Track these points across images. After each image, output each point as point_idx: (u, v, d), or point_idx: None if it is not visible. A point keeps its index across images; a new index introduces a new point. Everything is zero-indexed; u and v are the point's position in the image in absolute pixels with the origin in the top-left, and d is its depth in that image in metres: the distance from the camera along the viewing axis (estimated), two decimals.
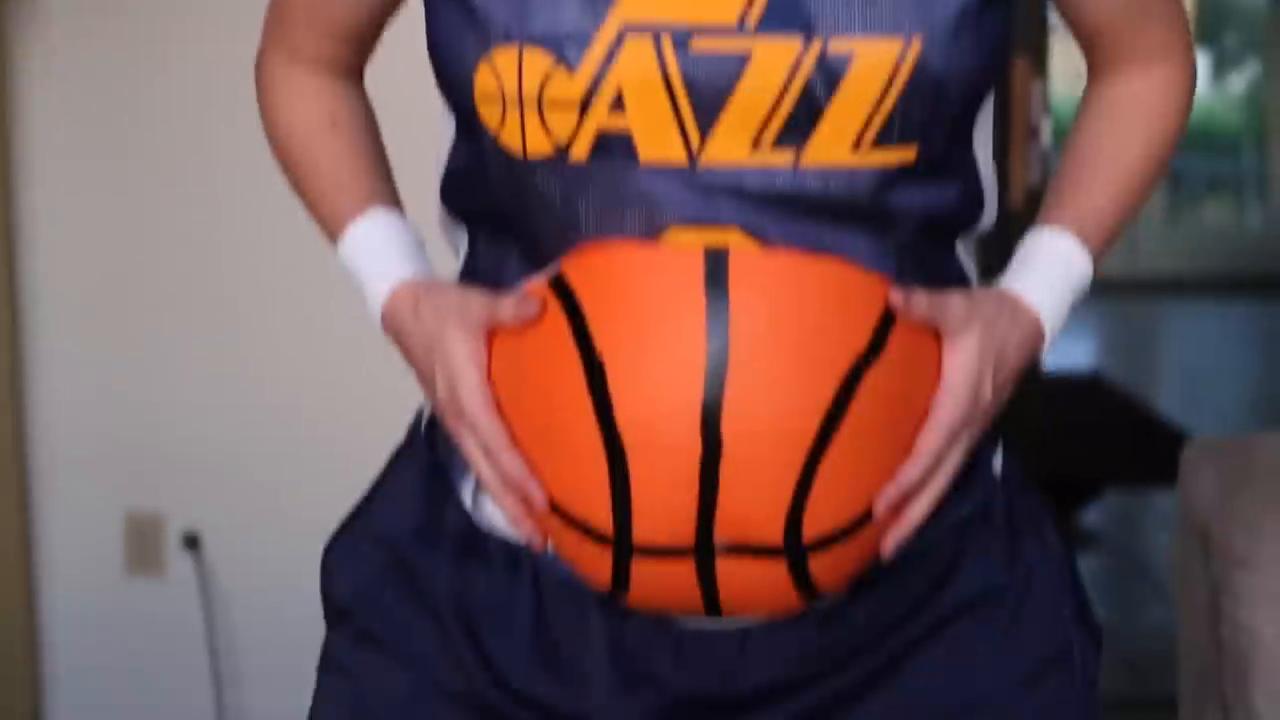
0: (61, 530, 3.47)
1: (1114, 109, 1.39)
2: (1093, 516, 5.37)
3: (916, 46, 1.18)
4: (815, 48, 1.17)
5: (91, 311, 3.42)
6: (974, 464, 1.34)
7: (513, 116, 1.21)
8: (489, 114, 1.23)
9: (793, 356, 1.17)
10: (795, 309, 1.18)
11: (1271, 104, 11.26)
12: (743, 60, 1.18)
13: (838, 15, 1.18)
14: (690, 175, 1.19)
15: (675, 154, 1.19)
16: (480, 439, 1.25)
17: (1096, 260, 1.35)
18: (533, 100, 1.19)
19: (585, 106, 1.19)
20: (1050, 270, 1.32)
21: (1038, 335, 1.30)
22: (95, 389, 3.43)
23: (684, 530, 1.18)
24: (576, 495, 1.21)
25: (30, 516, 3.45)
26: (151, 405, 3.43)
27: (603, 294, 1.20)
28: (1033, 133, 3.25)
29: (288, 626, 3.34)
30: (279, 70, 1.44)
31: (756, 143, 1.19)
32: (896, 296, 1.19)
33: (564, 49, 1.18)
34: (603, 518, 1.20)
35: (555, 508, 1.23)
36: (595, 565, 1.23)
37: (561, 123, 1.20)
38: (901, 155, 1.21)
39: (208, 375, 3.42)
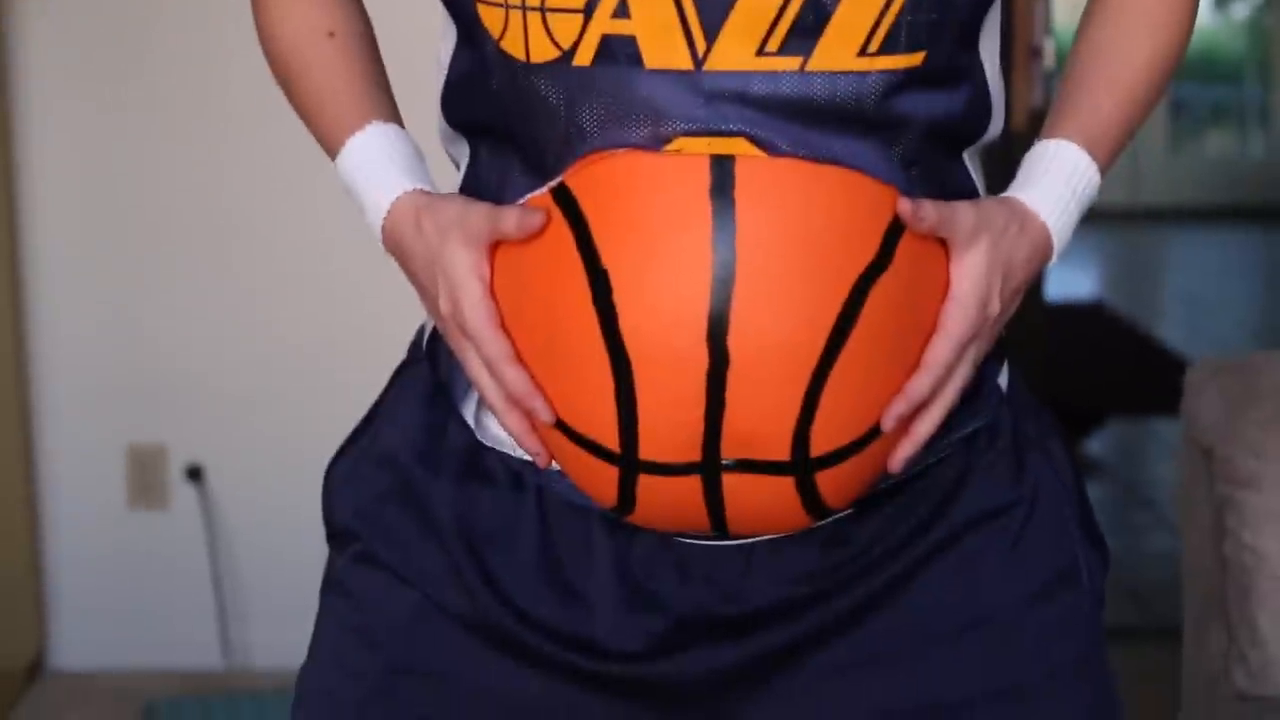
0: (64, 463, 3.48)
1: (1119, 17, 1.37)
2: (1095, 445, 5.38)
3: None
4: None
5: (93, 244, 3.42)
6: (980, 380, 1.33)
7: (515, 21, 1.19)
8: (491, 19, 1.21)
9: (800, 267, 1.16)
10: (802, 218, 1.17)
11: (1274, 32, 11.22)
12: None
13: None
14: (695, 81, 1.18)
15: (680, 59, 1.18)
16: (484, 354, 1.24)
17: (1103, 170, 1.34)
18: (536, 5, 1.18)
19: (589, 11, 1.17)
20: (1058, 181, 1.30)
21: (1046, 247, 1.29)
22: (97, 321, 3.43)
23: (690, 445, 1.17)
24: (581, 411, 1.20)
25: (33, 450, 3.46)
26: (153, 337, 3.43)
27: (607, 203, 1.19)
28: (1035, 53, 3.23)
29: (292, 558, 3.35)
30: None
31: (762, 48, 1.17)
32: (904, 206, 1.18)
33: None
34: (608, 433, 1.19)
35: (560, 425, 1.22)
36: (601, 483, 1.22)
37: (565, 27, 1.18)
38: (908, 61, 1.19)
39: (210, 307, 3.42)
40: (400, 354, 1.45)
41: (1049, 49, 3.28)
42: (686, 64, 1.18)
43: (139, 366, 3.45)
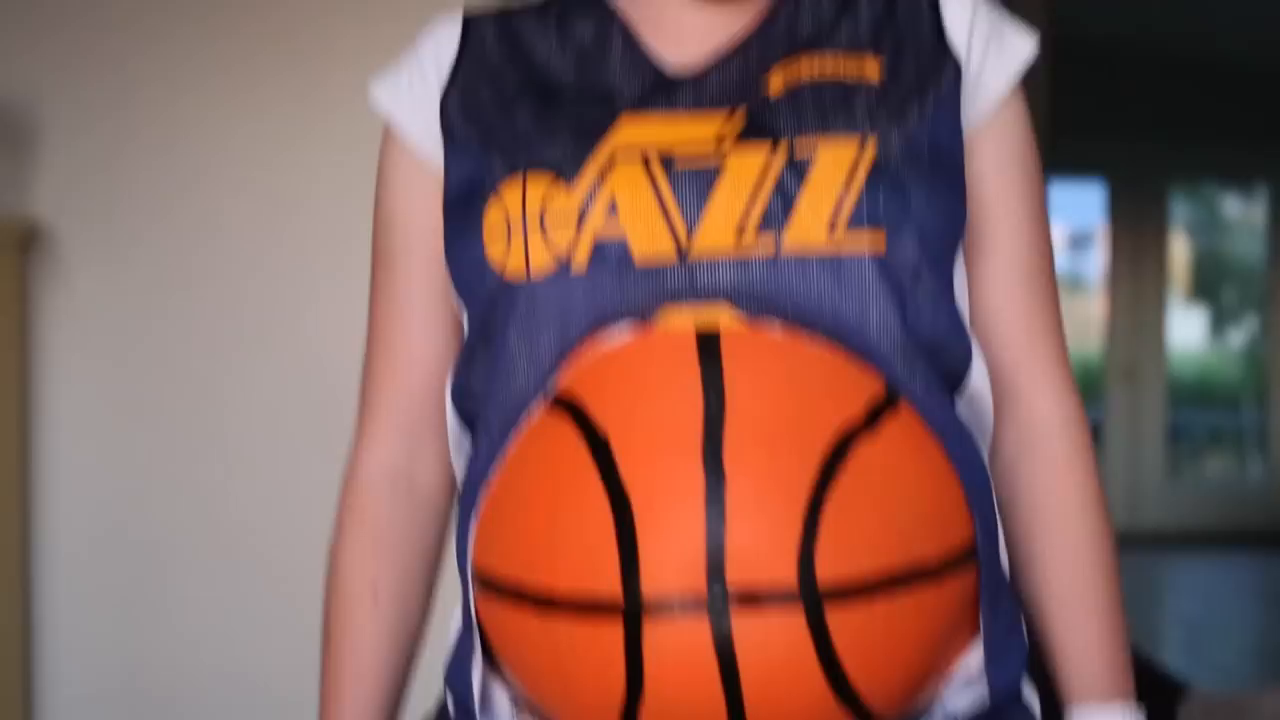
0: None
1: (1046, 531, 1.45)
2: None
3: (873, 141, 1.33)
4: (783, 147, 1.31)
5: (102, 556, 3.46)
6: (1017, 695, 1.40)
7: (517, 241, 1.34)
8: (496, 251, 1.35)
9: (786, 412, 1.24)
10: (785, 375, 1.27)
11: (1270, 359, 11.36)
12: (721, 162, 1.31)
13: (800, 125, 1.33)
14: (680, 270, 1.31)
15: (666, 253, 1.31)
16: None
17: (1128, 687, 1.42)
18: (535, 217, 1.33)
19: (582, 216, 1.32)
20: None
21: None
22: (103, 630, 3.46)
23: (693, 572, 1.19)
24: (583, 568, 1.23)
25: None
26: (153, 655, 3.46)
27: (600, 385, 1.29)
28: None
29: None
30: (358, 495, 1.53)
31: (740, 232, 1.30)
32: None
33: (562, 169, 1.33)
34: (611, 580, 1.21)
35: (562, 606, 1.23)
36: (606, 665, 1.23)
37: (561, 234, 1.32)
38: (873, 238, 1.31)
39: (214, 618, 3.45)
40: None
41: None
42: (671, 257, 1.31)
43: (143, 675, 3.46)
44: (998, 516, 1.37)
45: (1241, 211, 11.96)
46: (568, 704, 1.28)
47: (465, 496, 1.39)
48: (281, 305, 3.44)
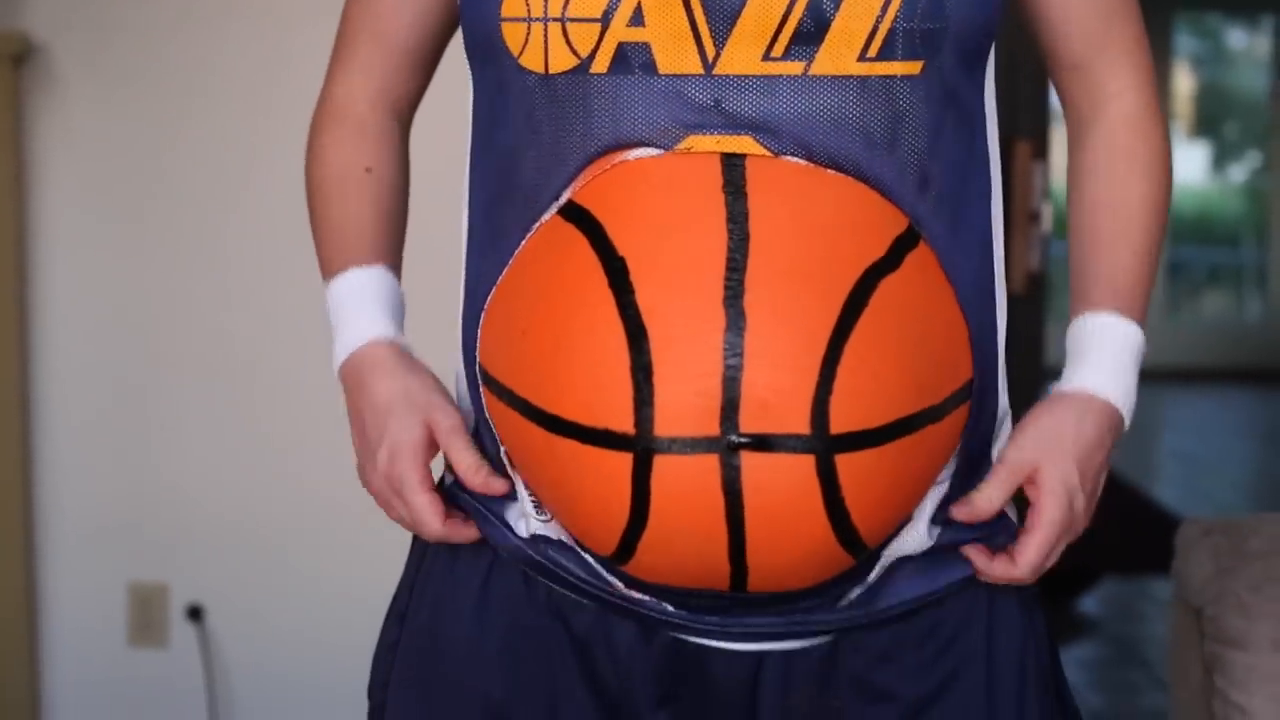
0: (66, 599, 3.49)
1: (1109, 170, 1.43)
2: (1090, 604, 5.38)
3: None
4: None
5: (99, 382, 3.45)
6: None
7: (536, 34, 1.27)
8: (513, 36, 1.29)
9: (810, 250, 1.21)
10: (811, 209, 1.23)
11: (1272, 195, 11.32)
12: None
13: None
14: (705, 85, 1.25)
15: (691, 65, 1.25)
16: (414, 514, 1.38)
17: (1143, 318, 1.41)
18: (557, 16, 1.26)
19: (606, 20, 1.25)
20: (1108, 356, 1.38)
21: (1116, 420, 1.38)
22: (101, 459, 3.46)
23: (707, 415, 1.18)
24: (595, 398, 1.21)
25: (35, 585, 3.47)
26: (157, 476, 3.45)
27: (620, 204, 1.25)
28: (1033, 217, 3.27)
29: (290, 699, 3.36)
30: (335, 104, 1.50)
31: (768, 53, 1.25)
32: (961, 512, 1.31)
33: None
34: (623, 413, 1.19)
35: (570, 429, 1.22)
36: (611, 491, 1.22)
37: (583, 36, 1.26)
38: (906, 69, 1.26)
39: (214, 446, 3.45)
40: None
41: (1047, 213, 3.32)
42: (697, 69, 1.25)
43: (142, 504, 3.46)
44: (1000, 365, 1.36)
45: (1246, 43, 11.86)
46: (570, 516, 1.28)
47: (471, 295, 1.37)
48: (281, 127, 3.38)
